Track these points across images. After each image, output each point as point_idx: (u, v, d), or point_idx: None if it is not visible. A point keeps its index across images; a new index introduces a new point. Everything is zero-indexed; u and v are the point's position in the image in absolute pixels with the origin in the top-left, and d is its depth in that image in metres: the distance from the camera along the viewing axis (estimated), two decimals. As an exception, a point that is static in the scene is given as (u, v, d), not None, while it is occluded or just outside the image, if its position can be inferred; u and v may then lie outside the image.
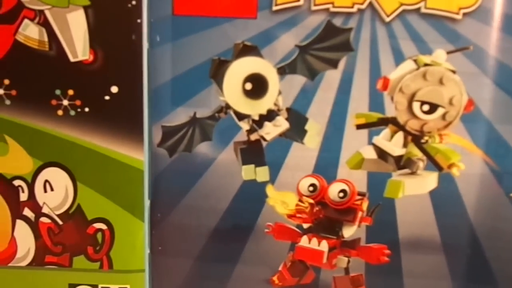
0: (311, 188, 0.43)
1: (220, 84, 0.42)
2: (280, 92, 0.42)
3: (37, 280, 0.48)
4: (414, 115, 0.41)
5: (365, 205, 0.43)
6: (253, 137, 0.43)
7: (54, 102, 0.43)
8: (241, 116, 0.43)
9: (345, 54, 0.41)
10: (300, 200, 0.43)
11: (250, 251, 0.45)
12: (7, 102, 0.43)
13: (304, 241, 0.44)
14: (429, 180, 0.42)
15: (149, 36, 0.42)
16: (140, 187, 0.45)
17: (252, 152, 0.43)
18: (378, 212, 0.43)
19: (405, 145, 0.42)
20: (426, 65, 0.40)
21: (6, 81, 0.43)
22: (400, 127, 0.42)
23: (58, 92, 0.43)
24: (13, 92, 0.43)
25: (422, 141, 0.42)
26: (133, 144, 0.44)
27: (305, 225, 0.44)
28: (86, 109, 0.43)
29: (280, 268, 0.46)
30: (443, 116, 0.41)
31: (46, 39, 0.42)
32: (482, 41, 0.40)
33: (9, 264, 0.47)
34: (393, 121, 0.42)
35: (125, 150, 0.44)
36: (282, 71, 0.42)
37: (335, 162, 0.43)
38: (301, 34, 0.41)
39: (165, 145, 0.44)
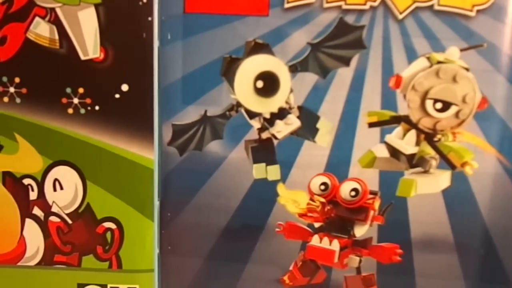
0: (322, 187, 0.43)
1: (231, 82, 0.42)
2: (291, 90, 0.42)
3: (46, 280, 0.47)
4: (427, 113, 0.41)
5: (377, 204, 0.43)
6: (264, 135, 0.43)
7: (64, 100, 0.43)
8: (252, 114, 0.42)
9: (358, 51, 0.40)
10: (312, 199, 0.43)
11: (260, 251, 0.45)
12: (18, 100, 0.43)
13: (315, 241, 0.44)
14: (442, 179, 0.42)
15: (160, 34, 0.41)
16: (150, 186, 0.45)
17: (263, 151, 0.43)
18: (390, 211, 0.43)
19: (417, 143, 0.42)
20: (439, 62, 0.40)
21: (17, 79, 0.43)
22: (412, 125, 0.41)
23: (68, 90, 0.43)
24: (24, 90, 0.43)
25: (435, 139, 0.42)
26: (143, 143, 0.44)
27: (317, 224, 0.44)
28: (97, 108, 0.43)
29: (291, 268, 0.45)
30: (456, 114, 0.41)
31: (57, 37, 0.42)
32: (495, 38, 0.39)
33: (18, 264, 0.47)
34: (405, 119, 0.41)
35: (135, 149, 0.44)
36: (294, 69, 0.41)
37: (347, 160, 0.43)
38: (313, 32, 0.40)
39: (176, 144, 0.44)
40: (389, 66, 0.40)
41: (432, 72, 0.40)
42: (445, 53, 0.40)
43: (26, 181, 0.45)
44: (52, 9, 0.41)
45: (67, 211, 0.46)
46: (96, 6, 0.41)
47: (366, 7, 0.40)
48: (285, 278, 0.46)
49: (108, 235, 0.46)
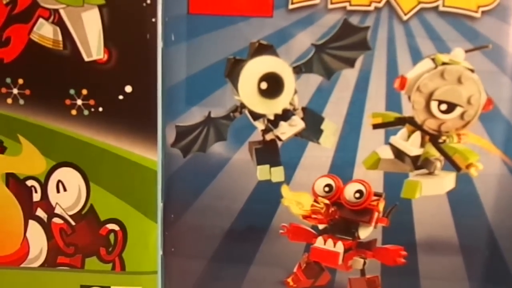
0: (326, 189, 0.43)
1: (235, 83, 0.42)
2: (296, 91, 0.42)
3: (49, 281, 0.47)
4: (431, 115, 0.41)
5: (381, 205, 0.43)
6: (268, 137, 0.43)
7: (68, 101, 0.43)
8: (256, 116, 0.42)
9: (362, 53, 0.40)
10: (316, 201, 0.43)
11: (264, 252, 0.45)
12: (21, 101, 0.43)
13: (319, 242, 0.44)
14: (447, 181, 0.42)
15: (163, 35, 0.41)
16: (153, 187, 0.45)
17: (267, 152, 0.43)
18: (395, 212, 0.43)
19: (422, 145, 0.42)
20: (444, 64, 0.40)
21: (20, 81, 0.43)
22: (417, 126, 0.41)
23: (72, 91, 0.43)
24: (27, 92, 0.43)
25: (440, 140, 0.42)
26: (147, 144, 0.44)
27: (321, 226, 0.44)
28: (100, 109, 0.43)
29: (295, 270, 0.45)
30: (461, 116, 0.41)
31: (60, 38, 0.42)
32: (501, 39, 0.39)
33: (21, 265, 0.47)
34: (410, 120, 0.41)
35: (139, 150, 0.44)
36: (298, 70, 0.41)
37: (351, 162, 0.42)
38: (318, 33, 0.40)
39: (179, 145, 0.44)
40: (394, 68, 0.40)
41: (437, 73, 0.40)
42: (450, 54, 0.40)
43: (30, 182, 0.45)
44: (56, 10, 0.41)
45: (70, 213, 0.45)
46: (100, 7, 0.41)
47: (371, 8, 0.40)
48: (289, 280, 0.45)
49: (112, 236, 0.46)
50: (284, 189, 0.43)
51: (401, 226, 0.43)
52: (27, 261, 0.47)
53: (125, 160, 0.44)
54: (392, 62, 0.40)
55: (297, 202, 0.44)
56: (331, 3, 0.40)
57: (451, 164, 0.42)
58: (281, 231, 0.44)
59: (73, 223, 0.46)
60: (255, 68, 0.41)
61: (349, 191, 0.43)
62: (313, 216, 0.43)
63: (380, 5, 0.40)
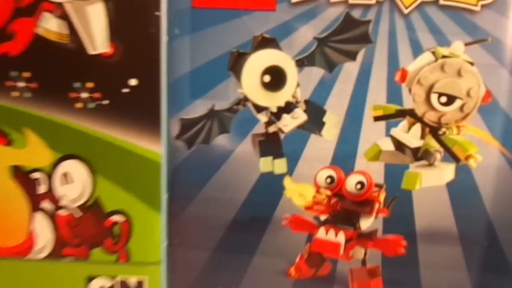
0: (328, 180, 0.44)
1: (238, 76, 0.42)
2: (298, 84, 0.42)
3: (55, 273, 0.48)
4: (432, 107, 0.41)
5: (382, 196, 0.43)
6: (271, 129, 0.43)
7: (73, 94, 0.43)
8: (259, 108, 0.43)
9: (364, 46, 0.41)
10: (318, 192, 0.44)
11: (267, 243, 0.46)
12: (27, 94, 0.44)
13: (321, 233, 0.44)
14: (446, 172, 0.43)
15: (168, 28, 0.42)
16: (158, 179, 0.45)
17: (270, 144, 0.43)
18: (395, 203, 0.43)
19: (422, 137, 0.43)
20: (444, 57, 0.40)
21: (26, 74, 0.43)
22: (417, 119, 0.42)
23: (77, 84, 0.43)
24: (33, 85, 0.43)
25: (440, 132, 0.42)
26: (151, 137, 0.44)
27: (322, 217, 0.45)
28: (105, 102, 0.43)
29: (297, 260, 0.46)
30: (461, 108, 0.41)
31: (65, 32, 0.42)
32: (500, 32, 0.40)
33: (27, 257, 0.48)
34: (410, 113, 0.42)
35: (144, 143, 0.45)
36: (301, 63, 0.42)
37: (353, 154, 0.43)
38: (320, 26, 0.41)
39: (183, 138, 0.44)
40: (395, 60, 0.41)
41: (437, 66, 0.41)
42: (450, 48, 0.40)
43: (35, 174, 0.45)
44: (61, 4, 0.42)
45: (76, 205, 0.46)
46: (105, 0, 0.41)
47: (372, 1, 0.40)
48: (291, 270, 0.46)
49: (117, 228, 0.46)
50: (287, 181, 0.44)
51: (402, 217, 0.44)
52: (33, 252, 0.47)
53: (130, 153, 0.45)
54: (393, 55, 0.41)
55: (299, 193, 0.44)
56: (333, -3, 0.41)
57: (450, 155, 0.42)
58: (283, 222, 0.45)
59: (78, 214, 0.46)
60: (258, 61, 0.42)
61: (351, 183, 0.43)
62: (315, 207, 0.44)
63: (382, -1, 0.41)
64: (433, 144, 0.43)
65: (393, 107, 0.42)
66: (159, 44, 0.42)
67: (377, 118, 0.42)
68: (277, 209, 0.45)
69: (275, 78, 0.42)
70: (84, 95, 0.44)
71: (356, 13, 0.40)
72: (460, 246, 0.44)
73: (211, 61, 0.42)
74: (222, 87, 0.43)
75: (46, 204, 0.46)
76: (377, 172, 0.43)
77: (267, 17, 0.41)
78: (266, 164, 0.44)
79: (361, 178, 0.43)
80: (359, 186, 0.43)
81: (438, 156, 0.43)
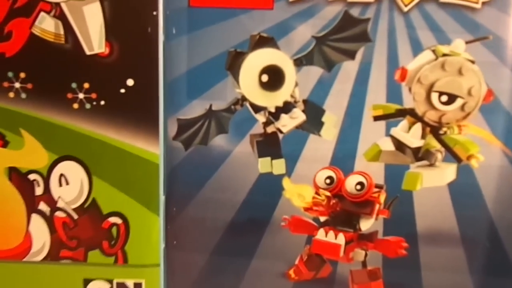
0: (328, 181, 0.43)
1: (236, 76, 0.42)
2: (296, 83, 0.42)
3: (52, 275, 0.47)
4: (432, 106, 0.41)
5: (382, 197, 0.43)
6: (270, 129, 0.43)
7: (69, 95, 0.43)
8: (258, 108, 0.42)
9: (363, 45, 0.40)
10: (317, 193, 0.43)
11: (266, 245, 0.45)
12: (23, 95, 0.43)
13: (320, 234, 0.44)
14: (448, 172, 0.42)
15: (165, 28, 0.41)
16: (155, 180, 0.45)
17: (269, 145, 0.43)
18: (396, 204, 0.43)
19: (423, 136, 0.42)
20: (444, 55, 0.40)
21: (22, 75, 0.43)
22: (418, 118, 0.41)
23: (74, 85, 0.43)
24: (29, 86, 0.43)
25: (441, 132, 0.42)
26: (149, 138, 0.44)
27: (322, 218, 0.44)
28: (102, 102, 0.43)
29: (296, 262, 0.45)
30: (462, 107, 0.41)
31: (62, 32, 0.42)
32: (501, 30, 0.39)
33: (24, 259, 0.47)
34: (411, 112, 0.41)
35: (141, 144, 0.44)
36: (299, 63, 0.41)
37: (352, 154, 0.42)
38: (318, 25, 0.40)
39: (181, 138, 0.44)
40: (395, 59, 0.40)
41: (437, 64, 0.40)
42: (450, 46, 0.40)
43: (32, 176, 0.45)
44: (57, 4, 0.41)
45: (73, 206, 0.46)
46: (101, 0, 0.41)
47: (371, 0, 0.40)
48: (291, 272, 0.46)
49: (114, 230, 0.46)
50: (286, 182, 0.44)
51: (402, 218, 0.43)
52: (30, 254, 0.47)
53: (127, 154, 0.44)
54: (392, 54, 0.40)
55: (298, 194, 0.44)
56: (332, -5, 0.40)
57: (452, 155, 0.42)
58: (282, 223, 0.44)
59: (75, 216, 0.46)
60: (256, 61, 0.41)
61: (350, 183, 0.43)
62: (315, 208, 0.43)
63: (381, -3, 0.40)
64: (434, 144, 0.42)
65: (393, 107, 0.42)
66: (156, 43, 0.42)
67: (376, 118, 0.42)
68: (276, 210, 0.44)
69: (273, 78, 0.41)
70: (81, 95, 0.43)
71: (355, 11, 0.40)
72: (462, 248, 0.43)
73: (208, 60, 0.42)
74: (220, 87, 0.42)
75: (43, 206, 0.46)
76: (377, 173, 0.42)
77: (264, 16, 0.40)
78: (265, 165, 0.43)
79: (361, 178, 0.43)
80: (359, 186, 0.43)
81: (439, 156, 0.42)
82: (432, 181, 0.42)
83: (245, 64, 0.41)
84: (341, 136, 0.42)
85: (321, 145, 0.43)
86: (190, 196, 0.45)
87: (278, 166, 0.43)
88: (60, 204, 0.46)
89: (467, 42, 0.40)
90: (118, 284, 0.47)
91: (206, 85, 0.42)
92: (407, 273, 0.44)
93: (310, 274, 0.46)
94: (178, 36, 0.42)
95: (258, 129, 0.43)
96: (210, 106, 0.43)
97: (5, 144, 0.45)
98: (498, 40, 0.40)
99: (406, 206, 0.43)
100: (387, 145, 0.42)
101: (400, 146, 0.42)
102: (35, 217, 0.46)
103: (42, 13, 0.42)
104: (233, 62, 0.41)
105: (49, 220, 0.46)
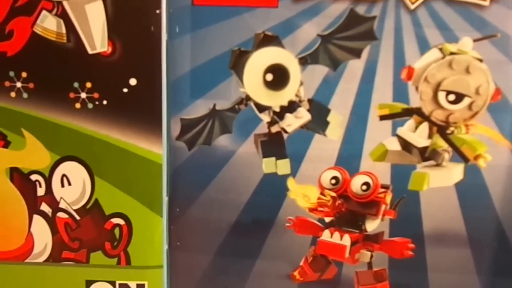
0: (333, 181, 0.43)
1: (240, 75, 0.41)
2: (301, 82, 0.41)
3: (54, 277, 0.47)
4: (439, 105, 0.40)
5: (388, 198, 0.42)
6: (274, 129, 0.42)
7: (72, 95, 0.43)
8: (262, 108, 0.42)
9: (369, 43, 0.40)
10: (322, 193, 0.43)
11: (270, 246, 0.44)
12: (25, 95, 0.43)
13: (326, 235, 0.43)
14: (455, 172, 0.41)
15: (168, 27, 0.41)
16: (158, 181, 0.44)
17: (273, 145, 0.42)
18: (402, 205, 0.42)
19: (430, 136, 0.41)
20: (452, 53, 0.39)
21: (24, 74, 0.42)
22: (425, 117, 0.41)
23: (76, 84, 0.42)
24: (31, 85, 0.42)
25: (448, 131, 0.41)
26: (152, 138, 0.43)
27: (327, 219, 0.43)
28: (104, 102, 0.42)
29: (301, 263, 0.45)
30: (470, 106, 0.40)
31: (64, 31, 0.41)
32: (509, 28, 0.39)
33: (26, 260, 0.47)
34: (417, 111, 0.41)
35: (144, 144, 0.44)
36: (304, 61, 0.41)
37: (358, 154, 0.42)
38: (324, 23, 0.40)
39: (184, 138, 0.43)
40: (401, 58, 0.40)
41: (444, 63, 0.40)
42: (458, 44, 0.39)
43: (34, 177, 0.45)
44: (59, 3, 0.41)
45: (75, 207, 0.45)
46: (104, -1, 0.41)
47: (377, -3, 0.40)
48: (296, 273, 0.45)
49: (117, 231, 0.45)
50: (290, 182, 0.43)
51: (409, 218, 0.43)
52: (32, 256, 0.46)
53: (130, 154, 0.44)
54: (399, 52, 0.40)
55: (303, 195, 0.43)
56: (337, -7, 0.40)
57: (459, 155, 0.41)
58: (287, 224, 0.44)
59: (78, 217, 0.45)
60: (260, 60, 0.41)
61: (356, 184, 0.42)
62: (320, 209, 0.43)
63: (387, -6, 0.40)
64: (441, 143, 0.42)
65: (400, 106, 0.41)
66: (159, 42, 0.41)
67: (383, 117, 0.41)
68: (280, 211, 0.44)
69: (277, 77, 0.41)
70: (83, 95, 0.43)
71: (361, 9, 0.39)
72: (469, 249, 0.43)
73: (212, 59, 0.41)
74: (224, 86, 0.42)
75: (45, 207, 0.46)
76: (383, 173, 0.42)
77: (269, 14, 0.40)
78: (269, 165, 0.43)
79: (367, 179, 0.42)
80: (364, 187, 0.42)
81: (446, 156, 0.42)
82: (439, 181, 0.42)
83: (249, 63, 0.41)
84: (346, 135, 0.42)
85: (326, 145, 0.42)
86: (193, 196, 0.45)
87: (283, 166, 0.43)
88: (62, 205, 0.45)
89: (474, 40, 0.39)
90: (120, 285, 0.47)
91: (210, 84, 0.42)
92: (414, 274, 0.44)
93: (315, 275, 0.45)
94: (182, 35, 0.41)
95: (262, 128, 0.42)
96: (214, 105, 0.42)
97: (7, 145, 0.44)
98: (506, 38, 0.39)
99: (413, 207, 0.42)
100: (394, 145, 0.42)
101: (406, 146, 0.42)
102: (37, 218, 0.46)
103: (44, 12, 0.41)
104: (237, 61, 0.41)
105: (51, 221, 0.46)
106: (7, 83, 0.42)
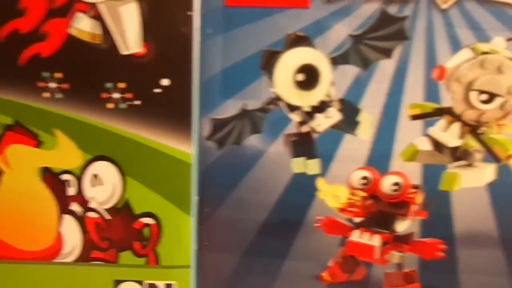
0: (363, 181, 0.42)
1: (271, 75, 0.42)
2: (332, 82, 0.42)
3: (82, 276, 0.47)
4: (471, 105, 0.40)
5: (419, 198, 0.42)
6: (304, 129, 0.43)
7: (105, 95, 0.43)
8: (292, 108, 0.42)
9: (400, 43, 0.40)
10: (352, 193, 0.43)
11: (299, 246, 0.44)
12: (59, 95, 0.43)
13: (355, 236, 0.43)
14: (487, 172, 0.41)
15: (200, 28, 0.42)
16: (188, 181, 0.45)
17: (303, 144, 0.43)
18: (433, 205, 0.42)
19: (461, 136, 0.41)
20: (484, 53, 0.39)
21: (59, 75, 0.43)
22: (456, 117, 0.41)
23: (109, 85, 0.43)
24: (65, 86, 0.43)
25: (479, 131, 0.41)
26: (182, 137, 0.44)
27: (357, 219, 0.43)
28: (137, 102, 0.43)
29: (330, 264, 0.45)
30: (502, 106, 0.40)
31: (98, 32, 0.42)
32: (542, 28, 0.39)
33: (55, 260, 0.47)
34: (449, 111, 0.41)
35: (174, 143, 0.44)
36: (335, 62, 0.41)
37: (388, 154, 0.42)
38: (355, 24, 0.40)
39: (215, 138, 0.44)
40: (432, 58, 0.40)
41: (476, 63, 0.40)
42: (490, 44, 0.39)
43: (65, 176, 0.45)
44: (94, 4, 0.42)
45: (106, 207, 0.46)
46: (138, 0, 0.41)
47: (409, -3, 0.40)
48: (325, 274, 0.45)
49: (146, 230, 0.46)
50: (320, 182, 0.43)
51: (440, 219, 0.42)
52: (61, 256, 0.47)
53: (161, 153, 0.44)
54: (430, 52, 0.40)
55: (333, 195, 0.43)
56: (369, -7, 0.40)
57: (491, 155, 0.41)
58: (316, 224, 0.44)
59: (108, 217, 0.46)
60: (291, 60, 0.41)
61: (386, 184, 0.42)
62: (350, 209, 0.43)
63: (419, -6, 0.40)
64: (473, 143, 0.41)
65: (431, 106, 0.41)
66: (192, 43, 0.42)
67: (414, 117, 0.41)
68: (309, 211, 0.44)
69: (308, 77, 0.41)
70: (116, 95, 0.43)
71: (392, 9, 0.40)
72: (501, 250, 0.42)
73: (243, 60, 0.42)
74: (254, 86, 0.42)
75: (75, 207, 0.46)
76: (413, 173, 0.42)
77: (300, 15, 0.40)
78: (299, 165, 0.43)
79: (397, 179, 0.42)
80: (394, 187, 0.42)
81: (478, 156, 0.42)
82: (471, 181, 0.41)
83: (280, 63, 0.41)
84: (377, 135, 0.42)
85: (357, 145, 0.42)
86: (223, 196, 0.45)
87: (313, 166, 0.43)
88: (92, 204, 0.46)
89: (507, 40, 0.39)
90: (149, 285, 0.47)
91: (241, 84, 0.42)
92: (444, 276, 0.43)
93: (344, 276, 0.45)
94: (214, 36, 0.42)
95: (292, 129, 0.43)
96: (245, 105, 0.43)
97: (39, 144, 0.45)
98: (539, 37, 0.40)
99: (444, 207, 0.42)
100: (424, 145, 0.42)
101: (437, 146, 0.42)
102: (67, 218, 0.46)
103: (79, 13, 0.42)
104: (268, 61, 0.41)
105: (81, 221, 0.46)
106: (41, 84, 0.43)
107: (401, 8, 0.40)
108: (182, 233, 0.46)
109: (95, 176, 0.45)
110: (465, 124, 0.41)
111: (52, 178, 0.46)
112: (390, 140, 0.42)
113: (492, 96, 0.40)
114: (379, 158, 0.42)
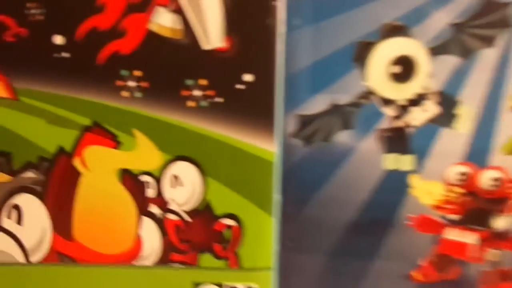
0: (460, 177, 0.41)
1: (364, 67, 0.40)
2: (430, 74, 0.40)
3: (161, 279, 0.46)
4: None
5: (519, 194, 0.41)
6: (399, 123, 0.41)
7: (185, 92, 0.41)
8: (386, 102, 0.40)
9: (503, 31, 0.38)
10: (449, 190, 0.41)
11: (389, 245, 0.42)
12: (138, 94, 0.42)
13: (450, 234, 0.41)
14: None
15: (286, 19, 0.40)
16: (270, 180, 0.43)
17: (397, 140, 0.41)
18: (535, 201, 0.41)
19: None
20: None
21: (139, 73, 0.41)
22: None
23: (190, 82, 0.41)
24: (145, 84, 0.41)
25: None
26: (266, 135, 0.42)
27: (451, 216, 0.42)
28: (220, 100, 0.41)
29: (423, 263, 0.43)
30: None
31: (179, 27, 0.40)
32: None
33: (133, 263, 0.46)
34: (555, 102, 0.39)
35: (258, 142, 0.42)
36: (433, 52, 0.39)
37: (488, 148, 0.40)
38: (455, 11, 0.38)
39: (301, 135, 0.42)
40: (539, 45, 0.38)
41: None
42: None
43: (144, 178, 0.44)
44: (175, -2, 0.40)
45: (185, 208, 0.44)
46: (221, -8, 0.40)
47: (515, -19, 0.37)
48: (416, 273, 0.43)
49: (227, 232, 0.45)
50: (414, 178, 0.42)
51: (542, 215, 0.41)
52: (140, 258, 0.45)
53: (243, 152, 0.42)
54: (537, 40, 0.38)
55: (427, 191, 0.42)
56: (471, -22, 0.38)
57: None
58: (407, 222, 0.43)
59: (188, 219, 0.45)
60: (386, 51, 0.39)
61: (485, 179, 0.40)
62: (446, 206, 0.41)
63: (526, -22, 0.37)
64: None
65: (536, 96, 0.40)
66: (277, 36, 0.40)
67: (517, 109, 0.40)
68: (401, 209, 0.42)
69: (404, 69, 0.39)
70: (197, 93, 0.42)
71: (497, -5, 0.38)
72: None
73: (334, 52, 0.40)
74: (345, 80, 0.40)
75: (155, 209, 0.45)
76: (515, 167, 0.40)
77: (397, 3, 0.38)
78: (392, 161, 0.41)
79: (497, 174, 0.40)
80: (494, 182, 0.40)
81: None
82: None
83: (375, 54, 0.39)
84: (476, 129, 0.40)
85: (454, 139, 0.40)
86: (308, 195, 0.43)
87: (407, 162, 0.41)
88: (172, 206, 0.44)
89: None
90: (230, 288, 0.46)
91: (331, 78, 0.40)
92: (545, 274, 0.42)
93: (438, 275, 0.43)
94: (301, 27, 0.39)
95: (385, 123, 0.41)
96: (335, 100, 0.41)
97: (118, 145, 0.43)
98: None
99: (547, 203, 0.41)
100: (528, 138, 0.40)
101: (542, 138, 0.40)
102: (146, 220, 0.45)
103: (159, 8, 0.40)
104: (361, 53, 0.39)
105: (160, 223, 0.45)
106: (120, 82, 0.42)
107: (508, -7, 0.38)
108: (264, 235, 0.45)
109: (175, 177, 0.44)
110: None
111: (131, 179, 0.44)
112: (490, 134, 0.40)
113: None
114: (477, 153, 0.40)
